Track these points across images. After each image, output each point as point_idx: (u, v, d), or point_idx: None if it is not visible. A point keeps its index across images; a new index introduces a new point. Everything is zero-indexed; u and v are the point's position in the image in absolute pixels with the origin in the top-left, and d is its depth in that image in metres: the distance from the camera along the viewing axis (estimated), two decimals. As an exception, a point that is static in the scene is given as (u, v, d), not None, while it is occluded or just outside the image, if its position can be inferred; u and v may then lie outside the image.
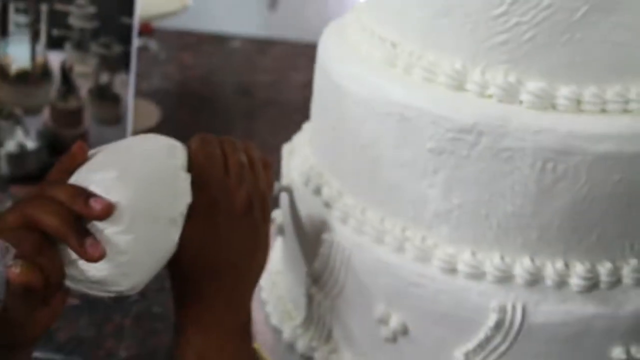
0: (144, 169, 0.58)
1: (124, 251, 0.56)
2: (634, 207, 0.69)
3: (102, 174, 0.56)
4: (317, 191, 0.81)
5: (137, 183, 0.57)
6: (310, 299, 0.81)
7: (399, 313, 0.74)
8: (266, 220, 0.68)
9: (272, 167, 0.72)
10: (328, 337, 0.82)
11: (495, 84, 0.68)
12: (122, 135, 1.34)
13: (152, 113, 1.61)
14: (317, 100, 0.85)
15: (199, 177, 0.62)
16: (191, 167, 0.63)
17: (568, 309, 0.69)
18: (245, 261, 0.66)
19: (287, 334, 0.85)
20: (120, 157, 0.59)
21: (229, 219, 0.64)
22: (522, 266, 0.69)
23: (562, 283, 0.70)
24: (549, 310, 0.69)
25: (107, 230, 0.55)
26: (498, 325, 0.69)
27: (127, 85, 1.31)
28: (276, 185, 0.76)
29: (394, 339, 0.75)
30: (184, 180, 0.61)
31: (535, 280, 0.69)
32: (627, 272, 0.70)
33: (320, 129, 0.84)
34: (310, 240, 0.80)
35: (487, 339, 0.70)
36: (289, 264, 0.88)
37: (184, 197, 0.61)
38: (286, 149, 0.95)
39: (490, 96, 0.68)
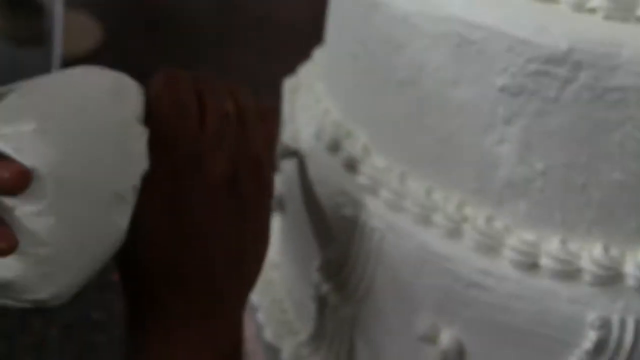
0: (78, 120, 0.57)
1: (43, 241, 0.55)
2: None
3: (14, 125, 0.54)
4: (335, 147, 0.81)
5: (66, 140, 0.56)
6: (321, 303, 0.82)
7: (453, 327, 0.74)
8: (261, 196, 0.67)
9: (276, 119, 0.72)
10: (348, 362, 0.82)
11: (600, -7, 0.67)
12: (46, 63, 1.33)
13: (91, 31, 1.61)
14: (335, 16, 0.84)
15: (161, 133, 0.61)
16: (150, 118, 0.62)
17: (702, 324, 0.69)
18: (230, 258, 0.65)
19: (287, 354, 0.85)
20: (43, 100, 0.57)
21: (202, 196, 0.63)
22: (636, 262, 0.69)
23: (694, 286, 0.69)
24: (674, 326, 0.69)
25: (18, 209, 0.54)
26: (599, 347, 0.69)
27: (54, -10, 1.31)
28: (279, 147, 0.75)
29: (442, 362, 0.75)
30: (138, 138, 0.60)
31: (654, 282, 0.69)
32: None
33: (339, 58, 0.84)
34: (324, 218, 0.80)
35: (583, 368, 0.69)
36: (291, 253, 0.88)
37: (137, 162, 0.60)
38: (289, 85, 0.95)
39: (592, 10, 0.68)
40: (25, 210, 0.54)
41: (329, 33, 0.87)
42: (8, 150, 0.54)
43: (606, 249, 0.69)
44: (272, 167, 0.69)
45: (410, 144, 0.76)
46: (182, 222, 0.62)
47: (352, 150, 0.79)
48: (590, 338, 0.69)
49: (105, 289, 0.93)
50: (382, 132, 0.78)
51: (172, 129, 0.62)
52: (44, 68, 1.34)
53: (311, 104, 0.87)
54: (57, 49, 1.31)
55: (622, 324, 0.68)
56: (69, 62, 1.49)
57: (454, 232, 0.73)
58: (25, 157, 0.54)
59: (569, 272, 0.70)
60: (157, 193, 0.61)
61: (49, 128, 0.55)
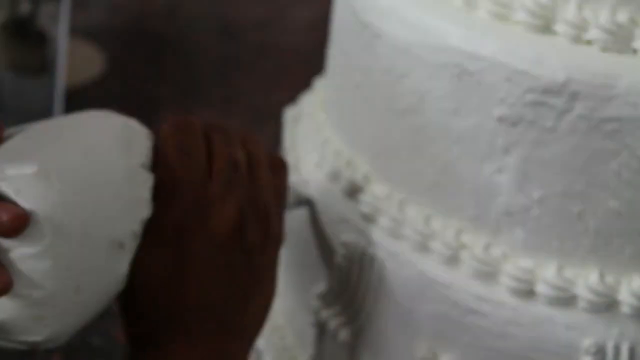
0: (81, 165, 0.57)
1: (38, 284, 0.55)
2: None
3: (16, 167, 0.55)
4: (336, 176, 0.82)
5: (67, 185, 0.56)
6: (321, 329, 0.82)
7: (451, 352, 0.74)
8: (268, 246, 0.66)
9: (286, 169, 0.72)
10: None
11: (597, 25, 0.68)
12: (49, 91, 1.34)
13: (94, 60, 1.62)
14: (337, 46, 0.85)
15: (167, 180, 0.61)
16: (157, 164, 0.62)
17: (696, 352, 0.70)
18: (234, 306, 0.65)
19: (286, 380, 0.86)
20: (48, 144, 0.58)
21: (207, 244, 0.62)
22: (630, 289, 0.70)
23: (688, 314, 0.70)
24: (669, 352, 0.70)
25: (15, 251, 0.54)
26: (594, 372, 0.69)
27: (57, 19, 1.31)
28: (292, 195, 0.75)
29: (441, 389, 0.75)
30: (142, 185, 0.61)
31: (649, 309, 0.70)
32: None
33: (339, 87, 0.85)
34: (323, 245, 0.81)
35: (578, 394, 0.70)
36: (291, 281, 0.88)
37: (139, 209, 0.60)
38: (290, 115, 0.96)
39: (589, 42, 0.69)
40: (21, 252, 0.54)
41: (330, 62, 0.88)
42: (9, 191, 0.54)
43: (602, 276, 0.70)
44: (281, 217, 0.69)
45: (410, 172, 0.77)
46: (184, 271, 0.62)
47: (353, 178, 0.80)
48: (585, 364, 0.70)
49: (105, 315, 0.93)
50: (383, 160, 0.79)
51: (178, 176, 0.62)
52: (47, 97, 1.35)
53: (312, 133, 0.88)
54: (60, 78, 1.32)
55: (617, 350, 0.69)
56: (72, 90, 1.50)
57: (452, 259, 0.74)
58: (25, 200, 0.54)
59: (565, 299, 0.71)
60: (160, 240, 0.61)
61: (51, 172, 0.55)
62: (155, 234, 0.60)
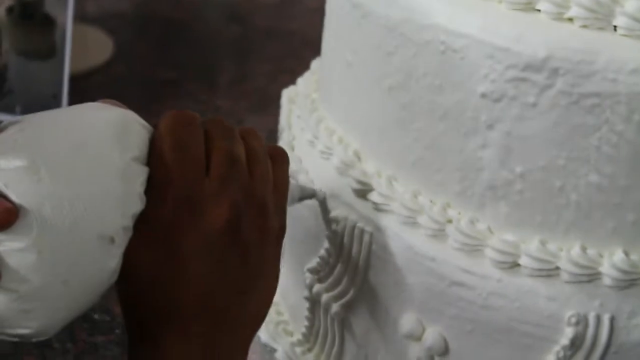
0: (72, 159, 0.57)
1: (25, 278, 0.54)
2: None
3: (6, 160, 0.54)
4: (328, 153, 0.84)
5: (57, 179, 0.55)
6: (313, 304, 0.83)
7: (437, 325, 0.76)
8: (265, 240, 0.65)
9: (287, 161, 0.71)
10: (338, 359, 0.84)
11: (578, 3, 0.68)
12: (55, 74, 1.36)
13: (102, 45, 1.63)
14: (330, 26, 0.87)
15: (161, 176, 0.60)
16: (152, 158, 0.61)
17: (676, 322, 0.71)
18: (231, 301, 0.63)
19: (281, 354, 0.87)
20: (41, 136, 0.57)
21: (199, 241, 0.61)
22: (611, 262, 0.71)
23: (668, 286, 0.71)
24: (649, 323, 0.70)
25: (2, 245, 0.54)
26: (575, 343, 0.71)
27: (64, 4, 1.33)
28: (295, 189, 0.74)
29: (428, 360, 0.76)
30: (135, 179, 0.59)
31: (630, 281, 0.71)
32: None
33: (332, 67, 0.86)
34: (316, 221, 0.82)
35: (560, 363, 0.71)
36: (284, 255, 0.89)
37: (131, 204, 0.59)
38: (286, 95, 0.97)
39: (570, 19, 0.69)
40: (8, 246, 0.53)
41: (324, 43, 0.89)
42: None
43: (584, 249, 0.71)
44: (282, 210, 0.68)
45: (398, 148, 0.78)
46: (177, 266, 0.60)
47: (344, 156, 0.81)
48: (567, 334, 0.70)
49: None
50: (372, 137, 0.80)
51: (173, 172, 0.60)
52: (55, 80, 1.37)
53: (307, 112, 0.89)
54: (67, 63, 1.34)
55: (598, 321, 0.70)
56: (80, 75, 1.52)
57: (439, 234, 0.75)
58: (14, 193, 0.54)
59: (547, 271, 0.72)
60: (151, 235, 0.60)
61: (41, 166, 0.55)
62: (146, 229, 0.59)
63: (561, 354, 0.71)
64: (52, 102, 1.36)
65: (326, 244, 0.81)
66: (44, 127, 0.58)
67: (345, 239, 0.79)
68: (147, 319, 0.61)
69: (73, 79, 1.44)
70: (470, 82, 0.71)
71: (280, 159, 0.69)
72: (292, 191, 0.72)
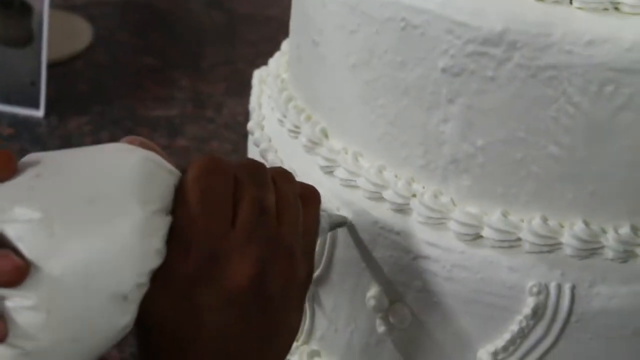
0: (87, 213, 0.54)
1: (32, 336, 0.52)
2: None
3: (20, 208, 0.52)
4: (296, 132, 0.85)
5: (70, 235, 0.53)
6: (283, 281, 0.84)
7: (404, 298, 0.77)
8: (293, 291, 0.62)
9: (318, 199, 0.68)
10: (309, 335, 0.85)
11: (535, -24, 0.69)
12: (34, 62, 1.36)
13: (82, 32, 1.64)
14: (296, 8, 0.87)
15: (185, 229, 0.57)
16: (178, 207, 0.58)
17: (637, 291, 0.72)
18: (249, 353, 0.61)
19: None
20: (56, 185, 0.54)
21: (220, 298, 0.58)
22: (572, 232, 0.72)
23: (628, 255, 0.72)
24: (609, 292, 0.72)
25: (10, 300, 0.51)
26: (537, 313, 0.72)
27: (41, -9, 1.34)
28: (324, 220, 0.72)
29: (394, 334, 0.78)
30: (155, 234, 0.56)
31: (590, 251, 0.72)
32: None
33: (299, 46, 0.87)
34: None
35: (523, 333, 0.72)
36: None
37: (148, 261, 0.56)
38: (257, 75, 0.98)
39: (527, -7, 0.70)
40: (16, 302, 0.51)
41: (292, 23, 0.89)
42: (11, 235, 0.52)
43: (544, 220, 0.72)
44: (310, 255, 0.66)
45: (363, 125, 0.79)
46: (196, 319, 0.58)
47: (311, 134, 0.82)
48: (529, 304, 0.72)
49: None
50: (338, 115, 0.81)
51: (197, 225, 0.57)
52: (33, 68, 1.37)
53: (276, 92, 0.90)
54: (44, 50, 1.34)
55: (559, 291, 0.71)
56: (60, 62, 1.53)
57: (404, 208, 0.76)
58: (25, 248, 0.51)
59: (509, 243, 0.73)
60: (170, 290, 0.57)
61: (55, 219, 0.52)
62: (166, 281, 0.56)
63: (524, 324, 0.72)
64: (30, 89, 1.37)
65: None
66: (61, 174, 0.55)
67: (313, 216, 0.80)
68: (160, 355, 0.60)
69: (52, 66, 1.45)
70: (430, 58, 0.72)
71: (311, 199, 0.67)
72: (322, 223, 0.70)
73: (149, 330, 0.59)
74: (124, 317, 0.55)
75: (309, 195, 0.67)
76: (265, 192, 0.61)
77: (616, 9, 0.69)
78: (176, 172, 0.59)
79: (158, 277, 0.56)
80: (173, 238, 0.57)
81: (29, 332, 0.52)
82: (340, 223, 0.76)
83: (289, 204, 0.63)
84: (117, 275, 0.54)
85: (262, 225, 0.60)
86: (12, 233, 0.52)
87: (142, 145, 0.59)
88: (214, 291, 0.58)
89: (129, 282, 0.55)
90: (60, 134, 1.39)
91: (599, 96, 0.68)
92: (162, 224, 0.57)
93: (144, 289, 0.56)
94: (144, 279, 0.56)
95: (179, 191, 0.58)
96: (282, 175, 0.65)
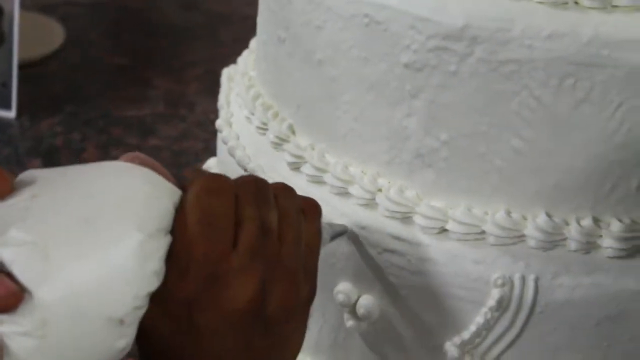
0: (83, 235, 0.53)
1: None
2: (689, 140, 0.72)
3: (15, 230, 0.51)
4: (263, 129, 0.85)
5: (64, 260, 0.52)
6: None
7: (370, 293, 0.78)
8: (295, 311, 0.62)
9: (319, 213, 0.67)
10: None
11: (495, -28, 0.70)
12: (5, 63, 1.36)
13: (53, 32, 1.64)
14: (263, 5, 0.88)
15: (184, 251, 0.56)
16: (177, 229, 0.57)
17: (599, 281, 0.73)
18: None
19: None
20: (51, 207, 0.54)
21: (219, 320, 0.58)
22: (535, 224, 0.73)
23: (590, 246, 0.73)
24: (572, 283, 0.73)
25: (2, 326, 0.51)
26: (502, 304, 0.73)
27: (11, -8, 1.34)
28: (325, 230, 0.70)
29: (363, 328, 0.79)
30: (153, 256, 0.55)
31: (553, 242, 0.73)
32: (683, 231, 0.74)
33: (266, 43, 0.87)
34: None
35: (488, 324, 0.73)
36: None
37: (145, 284, 0.55)
38: (226, 73, 0.99)
39: (488, -11, 0.71)
40: (9, 328, 0.51)
41: (259, 21, 0.90)
42: (5, 260, 0.51)
43: (508, 213, 0.73)
44: (312, 273, 0.65)
45: (329, 121, 0.79)
46: (197, 340, 0.58)
47: (278, 130, 0.83)
48: (493, 296, 0.72)
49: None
50: (305, 111, 0.82)
51: (198, 246, 0.56)
52: (3, 69, 1.38)
53: (244, 89, 0.91)
54: (15, 51, 1.35)
55: (523, 282, 0.72)
56: (32, 62, 1.53)
57: (370, 203, 0.77)
58: (19, 273, 0.51)
59: (474, 236, 0.74)
60: (169, 311, 0.56)
61: (49, 243, 0.52)
62: (164, 304, 0.55)
63: (489, 315, 0.73)
64: (1, 90, 1.37)
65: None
66: (57, 195, 0.54)
67: (281, 212, 0.81)
68: None
69: (24, 66, 1.45)
70: (393, 53, 0.73)
71: (313, 213, 0.66)
72: (323, 234, 0.69)
73: (150, 354, 0.58)
74: (121, 341, 0.54)
75: (311, 210, 0.66)
76: (267, 211, 0.60)
77: (576, 3, 0.70)
78: (177, 192, 0.58)
79: (157, 299, 0.55)
80: (172, 258, 0.55)
81: (22, 358, 0.51)
82: (341, 232, 0.75)
83: (291, 222, 0.62)
84: (113, 299, 0.53)
85: (264, 246, 0.59)
86: (6, 257, 0.51)
87: (142, 163, 0.58)
88: (214, 313, 0.57)
89: (125, 306, 0.54)
90: (32, 134, 1.39)
91: (559, 90, 0.69)
92: (161, 244, 0.55)
93: (142, 311, 0.55)
94: (141, 302, 0.54)
95: (179, 211, 0.57)
96: (283, 191, 0.64)
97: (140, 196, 0.56)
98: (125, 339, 0.54)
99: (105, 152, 1.36)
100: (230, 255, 0.57)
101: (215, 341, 0.58)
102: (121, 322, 0.53)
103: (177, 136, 1.42)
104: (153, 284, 0.55)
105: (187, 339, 0.57)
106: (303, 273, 0.63)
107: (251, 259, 0.58)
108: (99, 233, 0.53)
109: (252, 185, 0.61)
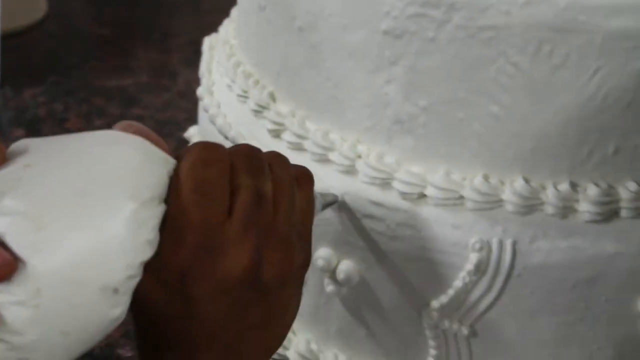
0: (75, 205, 0.53)
1: (20, 331, 0.51)
2: (665, 105, 0.72)
3: (8, 200, 0.51)
4: (244, 97, 0.86)
5: (57, 228, 0.52)
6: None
7: (351, 257, 0.78)
8: (291, 278, 0.62)
9: (312, 181, 0.67)
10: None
11: (472, -62, 0.70)
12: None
13: (36, 3, 1.63)
14: (244, -29, 0.88)
15: (178, 220, 0.56)
16: (172, 198, 0.56)
17: (576, 245, 0.74)
18: (246, 340, 0.61)
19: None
20: (44, 177, 0.53)
21: (214, 288, 0.58)
22: (512, 189, 0.73)
23: (567, 211, 0.74)
24: (550, 247, 0.74)
25: None
26: (480, 268, 0.74)
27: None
28: (317, 200, 0.70)
29: (343, 293, 0.79)
30: (146, 225, 0.55)
31: (530, 207, 0.74)
32: (658, 196, 0.75)
33: (247, 11, 0.88)
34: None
35: (467, 288, 0.74)
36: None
37: (139, 253, 0.55)
38: (207, 42, 0.99)
39: (466, -45, 0.71)
40: (3, 298, 0.51)
41: (239, -12, 0.91)
42: None
43: (486, 178, 0.74)
44: (307, 240, 0.65)
45: (310, 89, 0.80)
46: (192, 309, 0.58)
47: (259, 98, 0.84)
48: (472, 260, 0.73)
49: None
50: (285, 79, 0.82)
51: (192, 215, 0.56)
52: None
53: (225, 58, 0.91)
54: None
55: (501, 246, 0.73)
56: (14, 33, 1.52)
57: (350, 169, 0.77)
58: (13, 243, 0.51)
59: (452, 201, 0.74)
60: (163, 281, 0.56)
61: (42, 213, 0.52)
62: (158, 273, 0.55)
63: (467, 279, 0.74)
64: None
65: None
66: (50, 164, 0.54)
67: (261, 178, 0.81)
68: (157, 343, 0.59)
69: (7, 37, 1.44)
70: (373, 20, 0.73)
71: (306, 182, 0.66)
72: (315, 204, 0.69)
73: (145, 323, 0.59)
74: (115, 310, 0.54)
75: (304, 178, 0.66)
76: (262, 179, 0.60)
77: (552, -32, 0.70)
78: (171, 160, 0.58)
79: (151, 268, 0.55)
80: (167, 227, 0.55)
81: (17, 327, 0.51)
82: (332, 202, 0.76)
83: (285, 190, 0.62)
84: (107, 269, 0.53)
85: (259, 214, 0.59)
86: (0, 227, 0.51)
87: (137, 132, 0.58)
88: (208, 281, 0.57)
89: (119, 275, 0.53)
90: (15, 105, 1.39)
91: (537, 56, 0.70)
92: (155, 213, 0.55)
93: (136, 280, 0.54)
94: (135, 271, 0.54)
95: (174, 180, 0.57)
96: (277, 160, 0.64)
97: (133, 165, 0.55)
98: (120, 307, 0.54)
99: (88, 122, 1.36)
100: (225, 224, 0.57)
101: (211, 310, 0.58)
102: (115, 291, 0.53)
103: (160, 106, 1.42)
104: (147, 252, 0.55)
105: (181, 308, 0.57)
106: (297, 241, 0.62)
107: (246, 227, 0.58)
108: (92, 202, 0.53)
109: (247, 154, 0.61)
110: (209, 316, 0.58)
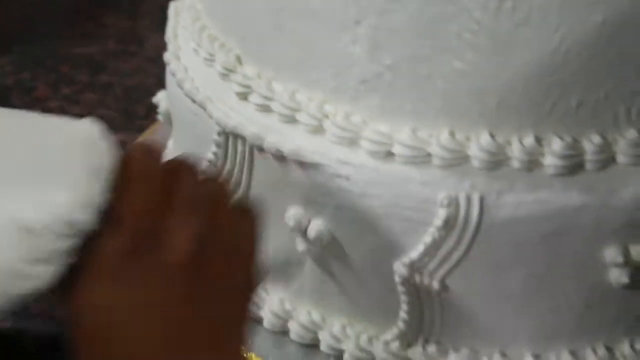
0: (20, 179, 0.53)
1: None
2: (626, 58, 0.73)
3: None
4: (210, 60, 0.86)
5: None
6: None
7: (321, 216, 0.79)
8: (237, 292, 0.58)
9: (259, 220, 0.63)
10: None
11: None
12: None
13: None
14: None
15: (119, 205, 0.55)
16: (114, 184, 0.55)
17: (542, 198, 0.74)
18: (203, 343, 0.57)
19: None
20: None
21: (159, 274, 0.55)
22: (478, 144, 0.74)
23: (533, 165, 0.75)
24: (517, 201, 0.74)
25: None
26: (448, 223, 0.74)
27: None
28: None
29: (314, 251, 0.80)
30: (85, 206, 0.53)
31: (496, 162, 0.75)
32: (622, 148, 0.75)
33: (211, -25, 0.88)
34: (201, 126, 0.85)
35: (436, 244, 0.75)
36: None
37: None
38: (173, 7, 0.99)
39: None
40: None
41: (204, -48, 0.90)
42: None
43: (452, 134, 0.74)
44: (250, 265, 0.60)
45: (276, 51, 0.80)
46: (135, 303, 0.54)
47: (225, 61, 0.84)
48: (440, 216, 0.74)
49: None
50: (252, 42, 0.83)
51: (134, 203, 0.55)
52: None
53: (190, 22, 0.91)
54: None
55: (469, 201, 0.74)
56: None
57: (317, 129, 0.78)
58: None
59: (420, 158, 0.75)
60: (102, 273, 0.54)
61: None
62: (97, 265, 0.54)
63: (436, 235, 0.74)
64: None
65: (213, 148, 0.83)
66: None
67: (230, 141, 0.82)
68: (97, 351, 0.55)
69: None
70: (336, -21, 0.73)
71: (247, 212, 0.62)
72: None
73: (85, 338, 0.54)
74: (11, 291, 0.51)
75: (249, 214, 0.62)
76: (207, 185, 0.59)
77: None
78: (116, 152, 0.57)
79: (93, 255, 0.53)
80: (108, 212, 0.54)
81: None
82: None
83: (221, 202, 0.59)
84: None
85: (202, 200, 0.57)
86: None
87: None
88: (150, 266, 0.55)
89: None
90: (-19, 74, 1.39)
91: (499, 12, 0.70)
92: (97, 198, 0.54)
93: (57, 267, 0.52)
94: (58, 254, 0.52)
95: (118, 169, 0.56)
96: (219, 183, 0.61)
97: (77, 151, 0.55)
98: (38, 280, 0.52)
99: (56, 90, 1.36)
100: (167, 210, 0.56)
101: (154, 295, 0.55)
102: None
103: (128, 72, 1.42)
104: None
105: (120, 298, 0.54)
106: (241, 257, 0.59)
107: (187, 217, 0.56)
108: (33, 180, 0.53)
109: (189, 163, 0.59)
110: (152, 301, 0.55)
